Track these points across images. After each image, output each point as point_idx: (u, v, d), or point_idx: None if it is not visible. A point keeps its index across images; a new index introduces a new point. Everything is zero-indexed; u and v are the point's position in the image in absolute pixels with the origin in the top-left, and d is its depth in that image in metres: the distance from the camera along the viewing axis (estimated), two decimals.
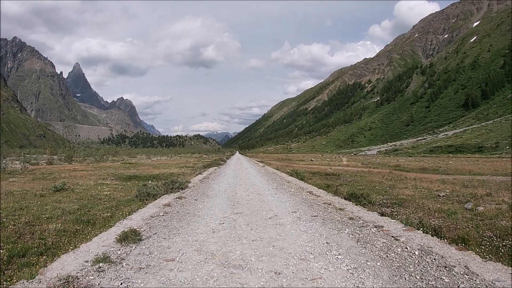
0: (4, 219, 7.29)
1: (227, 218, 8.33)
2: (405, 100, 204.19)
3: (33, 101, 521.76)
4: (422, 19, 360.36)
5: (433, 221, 7.15)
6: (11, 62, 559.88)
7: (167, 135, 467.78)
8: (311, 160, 51.33)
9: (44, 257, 5.35)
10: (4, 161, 27.87)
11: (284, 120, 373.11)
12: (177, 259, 5.30)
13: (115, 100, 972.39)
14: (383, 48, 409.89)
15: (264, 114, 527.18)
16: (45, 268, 4.81)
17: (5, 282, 4.31)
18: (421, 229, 6.66)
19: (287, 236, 6.60)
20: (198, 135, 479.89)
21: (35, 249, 5.63)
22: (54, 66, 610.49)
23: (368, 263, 5.02)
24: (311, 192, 12.78)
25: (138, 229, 6.67)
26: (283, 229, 7.15)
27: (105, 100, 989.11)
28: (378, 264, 4.99)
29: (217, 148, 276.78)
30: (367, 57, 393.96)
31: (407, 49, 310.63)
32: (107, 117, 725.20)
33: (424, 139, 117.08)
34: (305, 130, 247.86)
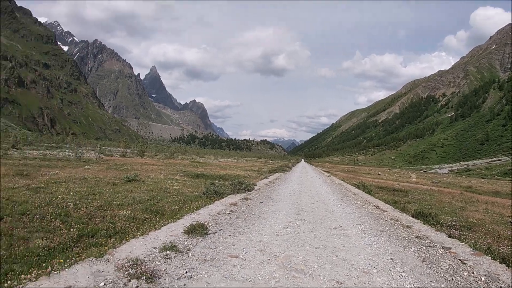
0: (78, 202, 7.79)
1: (291, 223, 8.31)
2: (481, 117, 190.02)
3: (111, 99, 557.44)
4: (499, 30, 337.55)
5: (502, 248, 6.79)
6: (92, 62, 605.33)
7: (235, 138, 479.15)
8: (378, 174, 49.81)
9: (113, 239, 5.65)
10: (80, 150, 30.19)
11: (353, 131, 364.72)
12: (241, 256, 5.39)
13: (188, 102, 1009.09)
14: (458, 60, 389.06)
15: (332, 123, 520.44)
16: (114, 249, 5.06)
17: (73, 258, 4.57)
18: (489, 255, 6.32)
19: (351, 247, 6.46)
20: (265, 140, 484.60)
21: (104, 231, 5.97)
22: (132, 68, 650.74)
23: (432, 284, 4.81)
24: (378, 206, 12.38)
25: (205, 224, 6.85)
26: (347, 240, 7.01)
27: (178, 102, 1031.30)
28: (443, 286, 4.78)
29: (283, 155, 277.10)
30: (442, 69, 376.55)
31: (484, 61, 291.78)
32: (180, 117, 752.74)
33: (499, 160, 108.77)
34: (374, 142, 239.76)
